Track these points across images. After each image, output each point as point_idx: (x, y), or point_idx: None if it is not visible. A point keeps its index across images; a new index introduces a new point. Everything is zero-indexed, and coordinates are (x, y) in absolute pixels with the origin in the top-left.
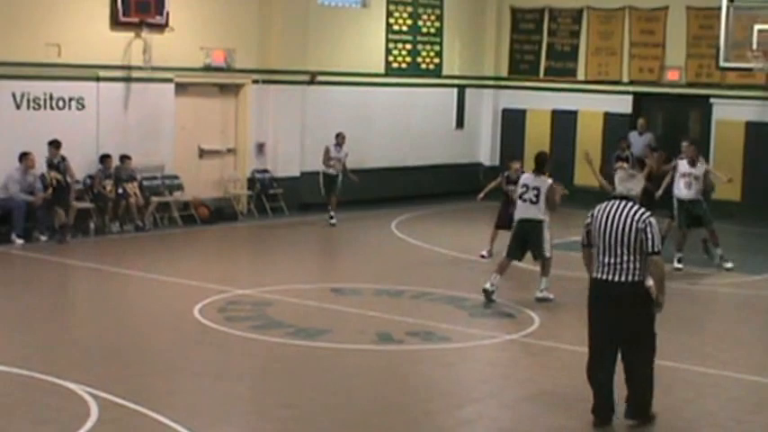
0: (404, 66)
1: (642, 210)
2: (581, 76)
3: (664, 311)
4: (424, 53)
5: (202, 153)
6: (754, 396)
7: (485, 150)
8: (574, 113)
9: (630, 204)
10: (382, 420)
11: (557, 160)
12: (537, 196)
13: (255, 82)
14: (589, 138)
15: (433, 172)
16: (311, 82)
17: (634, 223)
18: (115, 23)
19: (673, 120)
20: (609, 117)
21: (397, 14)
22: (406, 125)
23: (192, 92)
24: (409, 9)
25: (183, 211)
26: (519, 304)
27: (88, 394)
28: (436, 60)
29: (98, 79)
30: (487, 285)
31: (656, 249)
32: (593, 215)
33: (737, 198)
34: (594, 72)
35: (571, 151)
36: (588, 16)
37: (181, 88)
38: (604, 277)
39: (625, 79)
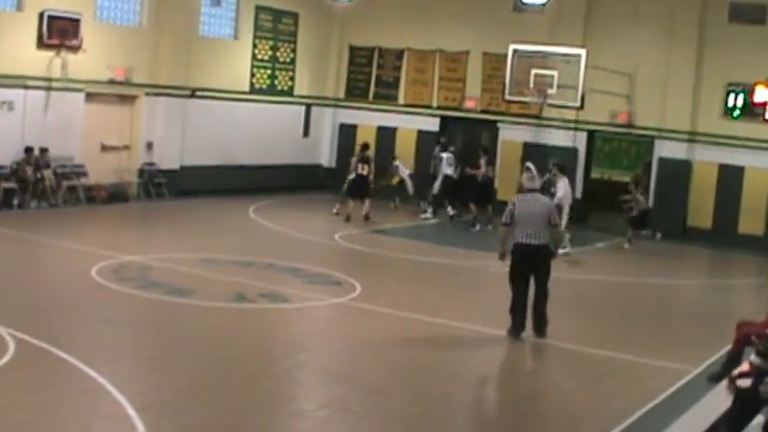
0: (264, 86)
1: None
2: (401, 100)
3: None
4: (280, 77)
5: (104, 148)
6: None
7: (324, 154)
8: (394, 129)
9: None
10: (237, 360)
11: (380, 164)
12: None
13: (148, 94)
14: (405, 148)
15: (284, 170)
16: (191, 96)
17: None
18: (41, 44)
19: (469, 138)
20: (421, 133)
21: (260, 46)
22: (264, 133)
23: (98, 100)
24: (270, 42)
25: (86, 192)
26: (345, 275)
27: (8, 334)
28: (290, 83)
29: (25, 87)
30: None
31: None
32: None
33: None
34: (411, 98)
35: (390, 158)
36: (408, 55)
37: (89, 97)
38: None
39: (434, 104)
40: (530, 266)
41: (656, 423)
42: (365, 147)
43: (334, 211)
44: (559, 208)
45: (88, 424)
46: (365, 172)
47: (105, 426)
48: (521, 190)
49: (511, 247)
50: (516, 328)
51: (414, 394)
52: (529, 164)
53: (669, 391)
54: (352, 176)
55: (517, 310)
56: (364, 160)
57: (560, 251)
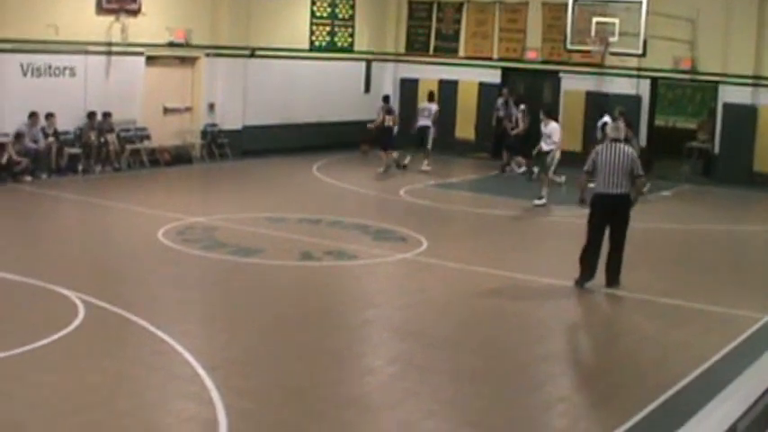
0: (324, 43)
1: None
2: (461, 53)
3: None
4: (339, 34)
5: (166, 110)
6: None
7: None
8: (455, 82)
9: None
10: (305, 318)
11: (442, 118)
12: None
13: (208, 55)
14: (467, 101)
15: (346, 126)
16: (251, 55)
17: None
18: (100, 9)
19: (531, 89)
20: (482, 86)
21: (319, 3)
22: (325, 90)
23: (159, 63)
24: None
25: (150, 156)
26: (410, 230)
27: (77, 298)
28: (349, 39)
29: (86, 53)
30: None
31: None
32: None
33: (579, 149)
34: (471, 50)
35: (453, 111)
36: (467, 8)
37: (150, 60)
38: None
39: (495, 56)
40: (608, 216)
41: (729, 370)
42: (431, 96)
43: (404, 163)
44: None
45: (161, 384)
46: (391, 123)
47: (177, 386)
48: (601, 140)
49: (591, 197)
50: (584, 277)
51: (482, 347)
52: (606, 118)
53: (741, 339)
54: (372, 125)
55: (587, 259)
56: (389, 112)
57: (538, 201)
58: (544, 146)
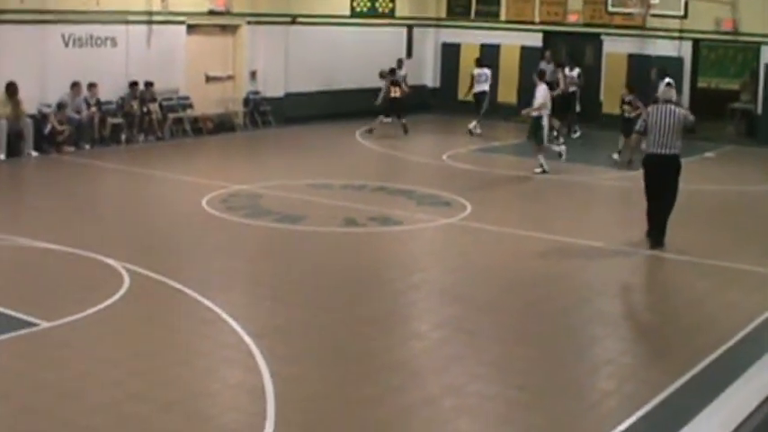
0: (365, 9)
1: None
2: (503, 17)
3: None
4: None
5: (208, 79)
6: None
7: (428, 75)
8: (497, 47)
9: None
10: (351, 285)
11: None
12: None
13: (249, 23)
14: (509, 65)
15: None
16: (292, 23)
17: None
18: None
19: (573, 52)
20: (524, 49)
21: None
22: (367, 56)
23: (200, 31)
24: None
25: (193, 124)
26: (454, 194)
27: (123, 268)
28: (390, 5)
29: (127, 23)
30: None
31: None
32: None
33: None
34: (513, 14)
35: (495, 76)
36: None
37: (191, 28)
38: None
39: (536, 20)
40: (658, 176)
41: None
42: (478, 62)
43: (474, 130)
44: (539, 119)
45: (209, 352)
46: (398, 94)
47: (224, 354)
48: (655, 101)
49: (642, 158)
50: (651, 232)
51: (528, 310)
52: (669, 80)
53: None
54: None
55: (651, 215)
56: (395, 84)
57: (562, 158)
58: (533, 112)
